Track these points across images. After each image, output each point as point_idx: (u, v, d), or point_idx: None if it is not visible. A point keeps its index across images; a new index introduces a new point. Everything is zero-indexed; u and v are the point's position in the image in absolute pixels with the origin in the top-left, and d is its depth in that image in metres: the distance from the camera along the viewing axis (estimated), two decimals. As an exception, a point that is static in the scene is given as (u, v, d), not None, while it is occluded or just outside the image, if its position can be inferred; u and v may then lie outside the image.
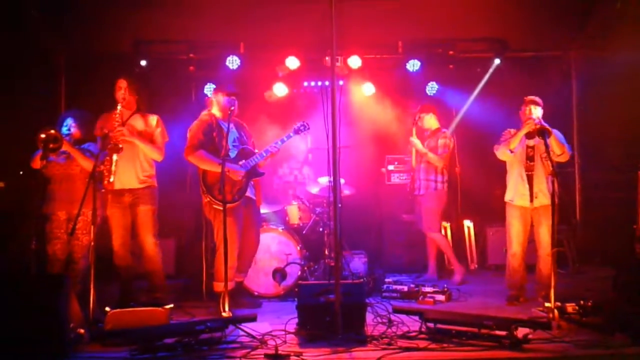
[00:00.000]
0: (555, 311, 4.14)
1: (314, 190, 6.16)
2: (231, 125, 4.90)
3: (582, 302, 4.23)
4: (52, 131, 4.44)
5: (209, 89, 6.90)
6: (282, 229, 5.68)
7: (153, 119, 5.02)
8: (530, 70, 7.16)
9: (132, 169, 4.87)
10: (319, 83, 7.04)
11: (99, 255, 4.28)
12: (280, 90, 6.87)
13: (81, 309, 4.10)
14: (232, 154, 4.92)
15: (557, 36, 6.83)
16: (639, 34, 5.99)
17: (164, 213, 5.07)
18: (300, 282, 5.02)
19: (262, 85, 6.90)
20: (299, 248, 5.59)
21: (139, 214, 4.88)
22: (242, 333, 4.01)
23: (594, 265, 6.66)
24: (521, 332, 3.76)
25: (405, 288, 5.30)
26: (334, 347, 3.76)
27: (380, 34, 6.76)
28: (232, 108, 4.81)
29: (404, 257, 6.71)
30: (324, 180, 6.09)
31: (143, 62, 6.74)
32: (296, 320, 4.13)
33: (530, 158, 5.00)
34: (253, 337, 3.96)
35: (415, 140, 6.12)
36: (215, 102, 5.04)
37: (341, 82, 6.63)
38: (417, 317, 4.11)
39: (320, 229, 5.89)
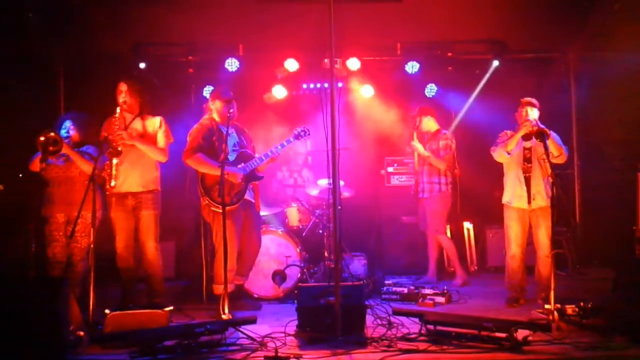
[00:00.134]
0: (555, 313, 4.14)
1: (314, 192, 6.16)
2: (231, 130, 4.91)
3: (582, 303, 4.22)
4: (52, 134, 4.42)
5: (208, 91, 6.90)
6: (282, 231, 5.68)
7: (156, 121, 5.00)
8: (529, 72, 7.17)
9: (135, 173, 4.86)
10: (318, 85, 7.04)
11: (99, 258, 4.27)
12: (279, 92, 6.87)
13: (81, 312, 4.10)
14: (232, 157, 4.92)
15: (555, 37, 6.83)
16: (637, 35, 6.00)
17: (164, 216, 5.06)
18: (300, 284, 5.01)
19: (261, 87, 6.90)
20: (298, 250, 5.59)
21: (141, 218, 4.87)
22: (241, 335, 4.01)
23: (594, 266, 6.66)
24: (521, 334, 3.76)
25: (405, 290, 5.29)
26: (333, 349, 3.76)
27: (379, 36, 6.76)
28: (231, 111, 4.82)
29: (403, 259, 6.70)
30: (324, 182, 6.09)
31: (142, 65, 6.73)
32: (296, 322, 4.13)
33: (527, 160, 5.01)
34: (253, 339, 3.96)
35: (416, 144, 6.09)
36: (214, 109, 5.04)
37: (340, 84, 6.62)
38: (417, 319, 4.11)
39: (320, 231, 5.89)
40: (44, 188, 4.83)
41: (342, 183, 5.94)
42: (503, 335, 3.76)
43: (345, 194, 6.11)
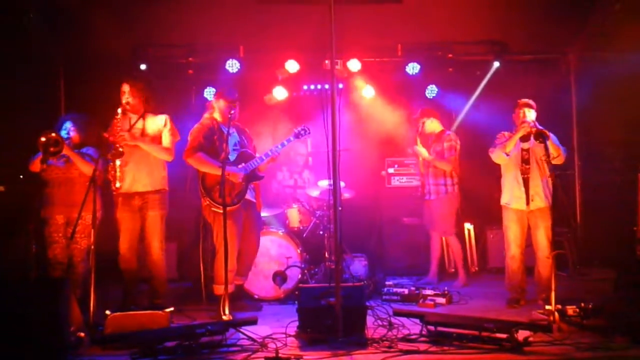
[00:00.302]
0: (556, 314, 4.14)
1: (314, 193, 6.16)
2: (232, 129, 4.92)
3: (582, 304, 4.22)
4: (53, 134, 4.41)
5: (208, 92, 6.90)
6: (283, 232, 5.68)
7: (161, 119, 4.99)
8: (530, 73, 7.16)
9: (141, 173, 4.85)
10: (319, 86, 7.05)
11: (100, 259, 4.27)
12: (280, 93, 6.87)
13: (81, 313, 4.11)
14: (232, 157, 4.92)
15: (556, 38, 6.84)
16: (638, 35, 6.00)
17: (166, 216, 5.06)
18: (300, 285, 5.01)
19: (262, 88, 6.90)
20: (299, 251, 5.59)
21: (147, 218, 4.87)
22: (242, 336, 4.01)
23: (595, 267, 6.65)
24: (522, 334, 3.76)
25: (406, 291, 5.29)
26: (334, 350, 3.77)
27: (379, 37, 6.77)
28: (232, 112, 4.83)
29: (404, 260, 6.70)
30: (324, 183, 6.09)
31: (143, 66, 6.74)
32: (297, 323, 4.13)
33: (525, 161, 5.01)
34: (253, 340, 3.96)
35: (420, 149, 6.06)
36: (217, 107, 5.05)
37: (341, 86, 6.62)
38: (417, 320, 4.11)
39: (321, 232, 5.89)
40: (44, 189, 4.83)
41: (342, 184, 5.94)
42: (504, 336, 3.76)
43: (346, 195, 6.11)
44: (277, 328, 4.27)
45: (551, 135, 4.79)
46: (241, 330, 4.04)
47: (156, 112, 5.05)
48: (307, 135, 5.25)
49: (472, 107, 7.17)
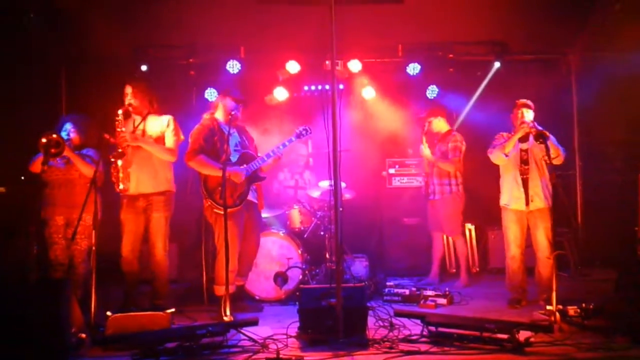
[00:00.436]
0: (557, 314, 4.15)
1: (315, 194, 6.16)
2: (233, 130, 4.91)
3: (583, 304, 4.22)
4: (54, 135, 4.41)
5: (209, 93, 6.90)
6: (284, 233, 5.68)
7: (165, 120, 4.98)
8: (531, 73, 7.16)
9: (145, 174, 4.84)
10: (320, 87, 7.04)
11: (101, 260, 4.27)
12: (280, 94, 6.87)
13: (83, 314, 4.11)
14: (234, 158, 4.92)
15: (557, 38, 6.83)
16: (638, 36, 6.00)
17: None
18: (301, 286, 5.02)
19: (263, 89, 6.91)
20: (300, 252, 5.59)
21: (151, 220, 4.86)
22: (243, 337, 4.01)
23: (596, 267, 6.65)
24: (523, 335, 3.76)
25: (407, 291, 5.29)
26: (335, 351, 3.77)
27: (380, 37, 6.76)
28: (233, 112, 4.83)
29: (405, 260, 6.69)
30: (325, 184, 6.09)
31: (143, 67, 6.74)
32: (297, 324, 4.13)
33: (524, 161, 5.01)
34: (254, 341, 3.96)
35: (425, 150, 6.05)
36: (222, 105, 5.05)
37: (341, 86, 6.63)
38: (418, 321, 4.11)
39: (322, 233, 5.88)
40: (44, 190, 4.83)
41: (343, 185, 5.93)
42: (505, 336, 3.76)
43: (347, 195, 6.11)
44: (278, 329, 4.27)
45: (550, 136, 4.80)
46: (242, 331, 4.04)
47: (159, 113, 5.03)
48: (309, 136, 5.25)
49: (473, 107, 7.16)
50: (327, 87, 5.05)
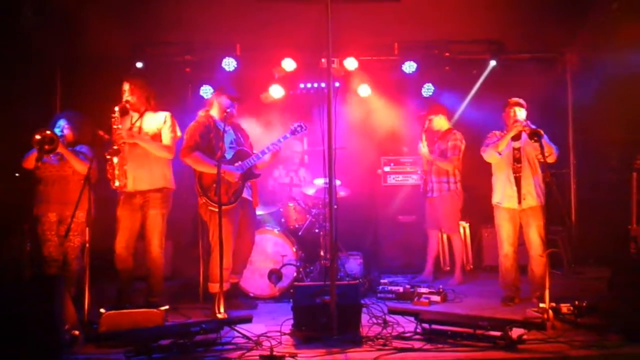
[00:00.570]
0: (550, 312, 4.16)
1: (310, 191, 6.16)
2: (228, 127, 4.91)
3: (577, 302, 4.24)
4: (48, 132, 4.40)
5: (205, 90, 6.90)
6: (278, 231, 5.68)
7: (162, 117, 4.96)
8: (526, 72, 7.16)
9: (142, 171, 4.83)
10: (315, 85, 7.04)
11: (94, 256, 4.26)
12: (276, 91, 6.87)
13: (76, 311, 4.10)
14: (229, 155, 4.92)
15: (552, 38, 6.85)
16: (635, 35, 6.01)
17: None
18: (295, 283, 5.02)
19: (259, 86, 6.90)
20: (294, 249, 5.59)
21: (148, 217, 4.85)
22: (237, 334, 4.01)
23: (589, 265, 6.67)
24: (516, 332, 3.77)
25: (401, 289, 5.30)
26: (329, 348, 3.77)
27: (376, 35, 6.77)
28: (228, 110, 4.83)
29: (399, 258, 6.70)
30: (320, 181, 6.09)
31: (139, 64, 6.72)
32: (291, 321, 4.13)
33: (517, 160, 5.02)
34: (248, 338, 3.96)
35: (423, 149, 6.05)
36: (217, 102, 5.04)
37: (337, 84, 6.65)
38: (412, 318, 4.12)
39: (316, 230, 5.89)
40: (37, 186, 4.82)
41: (338, 182, 5.94)
42: (498, 333, 3.77)
43: (342, 193, 6.11)
44: (272, 326, 4.27)
45: (543, 134, 4.81)
46: (236, 328, 4.04)
47: (156, 110, 5.02)
48: (304, 132, 5.23)
49: (468, 106, 7.17)
50: (323, 84, 5.09)
